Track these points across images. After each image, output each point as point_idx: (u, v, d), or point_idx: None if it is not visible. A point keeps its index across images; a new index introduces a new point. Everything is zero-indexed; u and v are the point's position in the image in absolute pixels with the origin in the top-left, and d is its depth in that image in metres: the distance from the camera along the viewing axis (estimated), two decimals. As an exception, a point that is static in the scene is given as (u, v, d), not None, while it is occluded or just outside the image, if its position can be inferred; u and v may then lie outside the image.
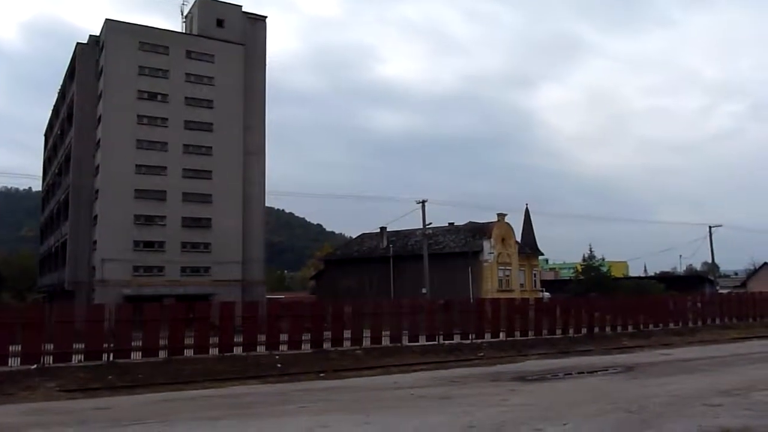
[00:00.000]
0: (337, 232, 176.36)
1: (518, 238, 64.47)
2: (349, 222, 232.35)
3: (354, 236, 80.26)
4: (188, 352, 22.98)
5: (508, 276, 60.91)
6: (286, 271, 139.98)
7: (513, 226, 63.39)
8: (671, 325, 37.64)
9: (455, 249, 60.06)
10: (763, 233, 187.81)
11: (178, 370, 20.84)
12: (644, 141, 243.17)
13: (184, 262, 54.48)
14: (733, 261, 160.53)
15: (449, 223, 65.77)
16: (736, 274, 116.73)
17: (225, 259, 55.01)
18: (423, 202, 51.06)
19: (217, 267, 55.09)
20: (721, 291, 61.58)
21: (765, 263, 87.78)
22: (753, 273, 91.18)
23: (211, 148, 56.48)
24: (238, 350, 23.96)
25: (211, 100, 57.07)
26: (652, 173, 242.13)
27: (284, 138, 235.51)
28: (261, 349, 24.34)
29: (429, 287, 49.04)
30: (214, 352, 23.35)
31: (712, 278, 73.48)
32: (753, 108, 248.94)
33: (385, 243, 65.03)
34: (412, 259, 57.58)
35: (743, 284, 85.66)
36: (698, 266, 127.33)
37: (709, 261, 73.05)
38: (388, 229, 65.92)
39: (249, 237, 56.82)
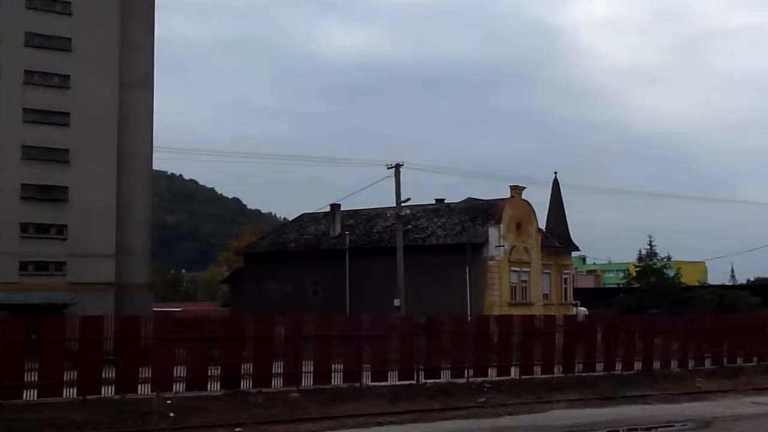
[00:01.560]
0: (264, 210, 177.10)
1: (542, 225, 64.96)
2: (281, 196, 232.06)
3: (290, 218, 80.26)
4: (29, 394, 22.80)
5: (525, 282, 61.34)
6: (184, 270, 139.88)
7: (534, 207, 64.00)
8: (770, 360, 38.40)
9: (446, 239, 60.27)
10: None
11: (14, 421, 20.72)
12: (729, 80, 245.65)
13: (24, 255, 53.87)
14: None
15: (437, 200, 65.98)
16: None
17: (89, 250, 54.50)
18: (397, 166, 51.11)
19: (77, 262, 54.56)
20: None
21: None
22: None
23: (68, 77, 55.70)
24: (108, 390, 23.86)
25: (68, 2, 56.25)
26: (740, 130, 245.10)
27: (184, 66, 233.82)
28: (144, 389, 24.30)
29: (405, 297, 49.23)
30: (71, 393, 23.22)
31: (832, 289, 74.89)
32: None
33: (337, 229, 65.02)
34: (379, 254, 57.72)
35: None
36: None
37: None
38: (342, 208, 66.02)
39: (127, 216, 56.35)
